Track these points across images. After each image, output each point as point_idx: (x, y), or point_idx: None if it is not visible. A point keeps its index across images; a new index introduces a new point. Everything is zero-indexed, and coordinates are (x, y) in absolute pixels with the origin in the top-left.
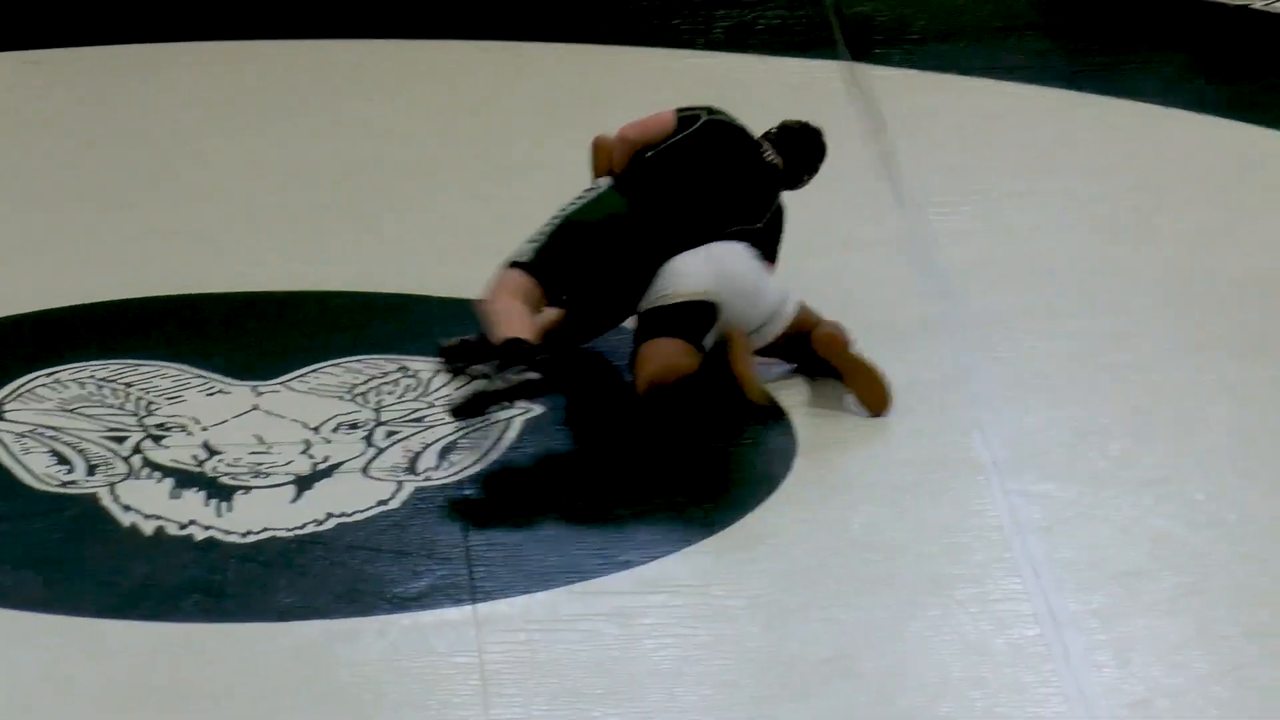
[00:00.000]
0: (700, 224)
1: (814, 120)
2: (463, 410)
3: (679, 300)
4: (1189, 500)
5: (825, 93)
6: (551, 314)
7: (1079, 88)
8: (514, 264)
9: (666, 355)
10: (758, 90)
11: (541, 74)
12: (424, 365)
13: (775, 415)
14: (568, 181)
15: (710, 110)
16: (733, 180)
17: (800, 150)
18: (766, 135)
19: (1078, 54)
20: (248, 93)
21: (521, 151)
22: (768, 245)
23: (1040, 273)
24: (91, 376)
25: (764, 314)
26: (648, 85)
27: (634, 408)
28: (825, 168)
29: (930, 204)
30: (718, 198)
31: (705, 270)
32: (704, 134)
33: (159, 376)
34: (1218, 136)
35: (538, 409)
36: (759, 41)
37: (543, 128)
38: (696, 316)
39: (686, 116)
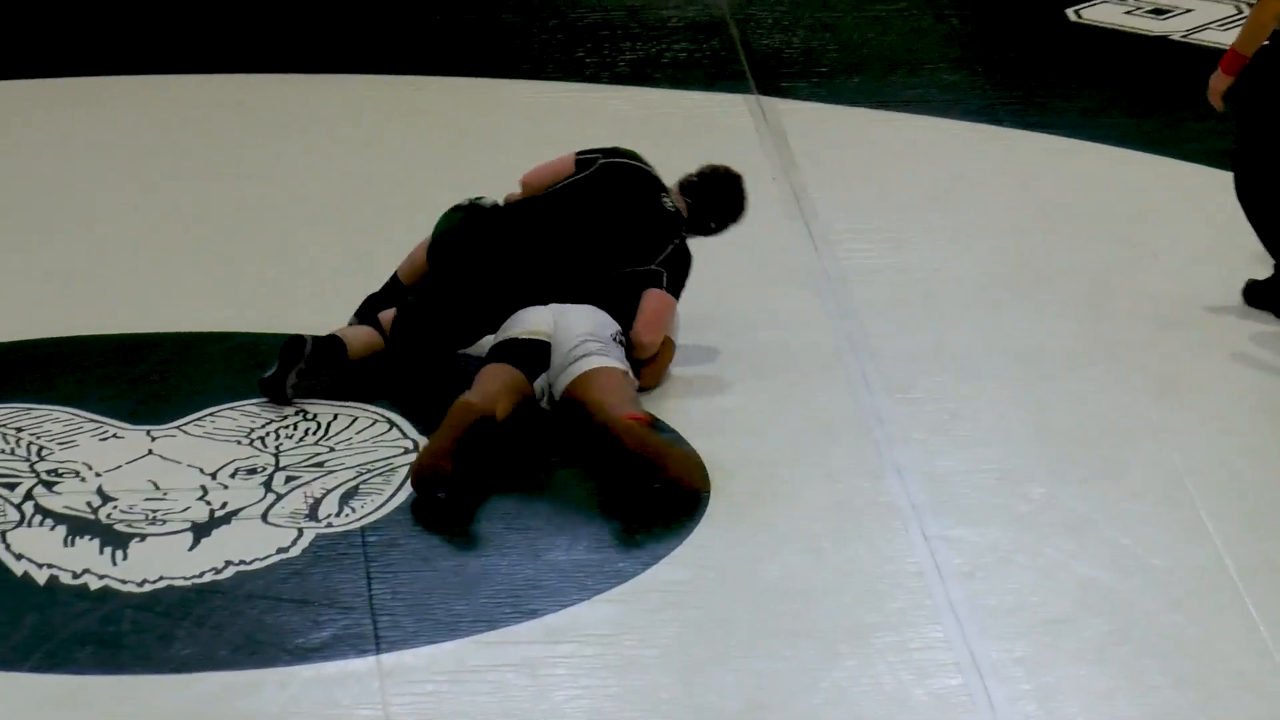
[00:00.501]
0: (585, 261)
1: (736, 167)
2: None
3: (522, 336)
4: (1114, 545)
5: (733, 126)
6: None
7: (995, 121)
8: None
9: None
10: (664, 124)
11: (437, 109)
12: (323, 408)
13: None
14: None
15: (611, 152)
16: (624, 222)
17: (711, 197)
18: (682, 180)
19: (994, 87)
20: (130, 131)
21: (413, 189)
22: (670, 285)
23: (952, 311)
24: None
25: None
26: (547, 120)
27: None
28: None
29: (840, 241)
30: (605, 237)
31: (546, 316)
32: (599, 176)
33: (50, 421)
34: (1131, 170)
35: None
36: (665, 75)
37: (436, 164)
38: (533, 353)
39: (584, 159)
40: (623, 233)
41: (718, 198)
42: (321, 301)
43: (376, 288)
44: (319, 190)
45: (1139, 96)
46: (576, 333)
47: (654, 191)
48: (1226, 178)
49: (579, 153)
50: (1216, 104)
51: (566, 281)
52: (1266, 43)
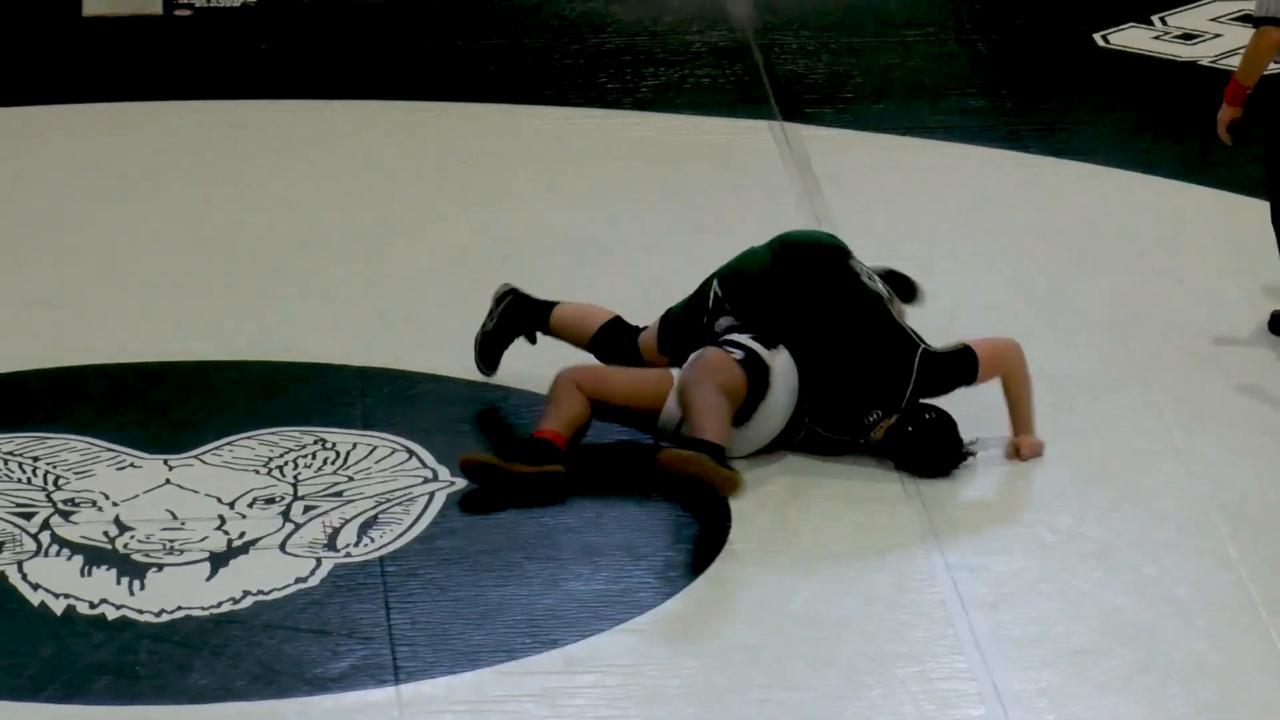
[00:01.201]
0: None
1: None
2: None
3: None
4: (1139, 574)
5: (756, 151)
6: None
7: (1021, 147)
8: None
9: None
10: (687, 149)
11: (458, 135)
12: (341, 437)
13: (707, 487)
14: (468, 247)
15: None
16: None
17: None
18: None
19: (1020, 112)
20: (131, 157)
21: (432, 215)
22: None
23: (977, 337)
24: None
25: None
26: (569, 145)
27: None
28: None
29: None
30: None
31: None
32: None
33: (67, 450)
34: (1159, 196)
35: (461, 483)
36: (688, 100)
37: (457, 190)
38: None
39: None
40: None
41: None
42: (338, 329)
43: (391, 315)
44: (337, 217)
45: (1167, 122)
46: None
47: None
48: (1256, 204)
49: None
50: (1224, 136)
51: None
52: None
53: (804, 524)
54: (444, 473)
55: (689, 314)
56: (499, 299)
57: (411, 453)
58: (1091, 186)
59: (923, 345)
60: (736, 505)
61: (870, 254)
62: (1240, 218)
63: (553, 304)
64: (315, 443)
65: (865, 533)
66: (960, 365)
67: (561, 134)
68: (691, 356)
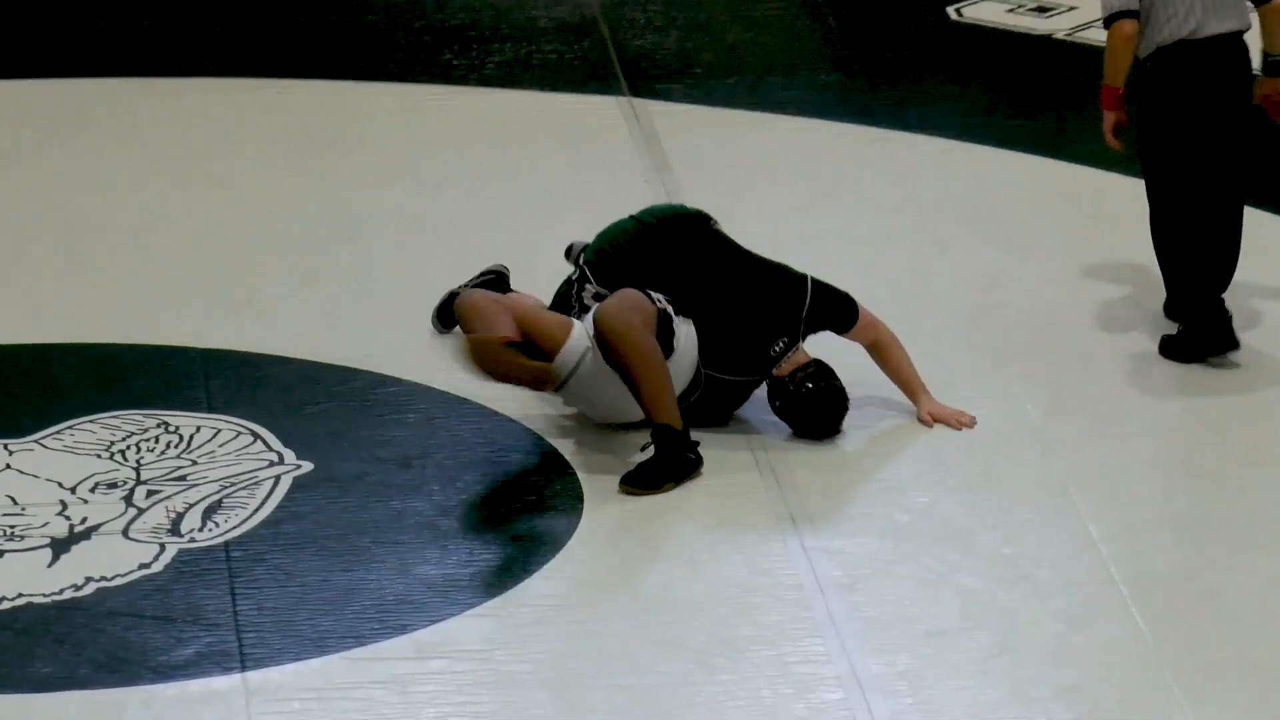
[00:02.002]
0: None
1: (616, 178)
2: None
3: None
4: (996, 555)
5: (605, 129)
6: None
7: (874, 122)
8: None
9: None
10: (535, 127)
11: (301, 113)
12: (185, 420)
13: (559, 469)
14: (312, 228)
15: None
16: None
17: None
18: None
19: (873, 87)
20: None
21: (276, 195)
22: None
23: None
24: None
25: None
26: (415, 124)
27: (412, 463)
28: (612, 206)
29: (584, 279)
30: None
31: None
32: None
33: None
34: (1015, 172)
35: (307, 467)
36: (535, 77)
37: (300, 169)
38: None
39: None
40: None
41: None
42: (180, 312)
43: (235, 298)
44: (177, 198)
45: (1023, 97)
46: None
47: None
48: (1115, 179)
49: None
50: (1112, 143)
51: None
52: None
53: (656, 507)
54: (290, 456)
55: (562, 291)
56: (486, 272)
57: (257, 436)
58: (946, 163)
59: (809, 274)
60: (588, 488)
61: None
62: (1099, 193)
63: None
64: (158, 426)
65: (719, 515)
66: (845, 301)
67: (406, 112)
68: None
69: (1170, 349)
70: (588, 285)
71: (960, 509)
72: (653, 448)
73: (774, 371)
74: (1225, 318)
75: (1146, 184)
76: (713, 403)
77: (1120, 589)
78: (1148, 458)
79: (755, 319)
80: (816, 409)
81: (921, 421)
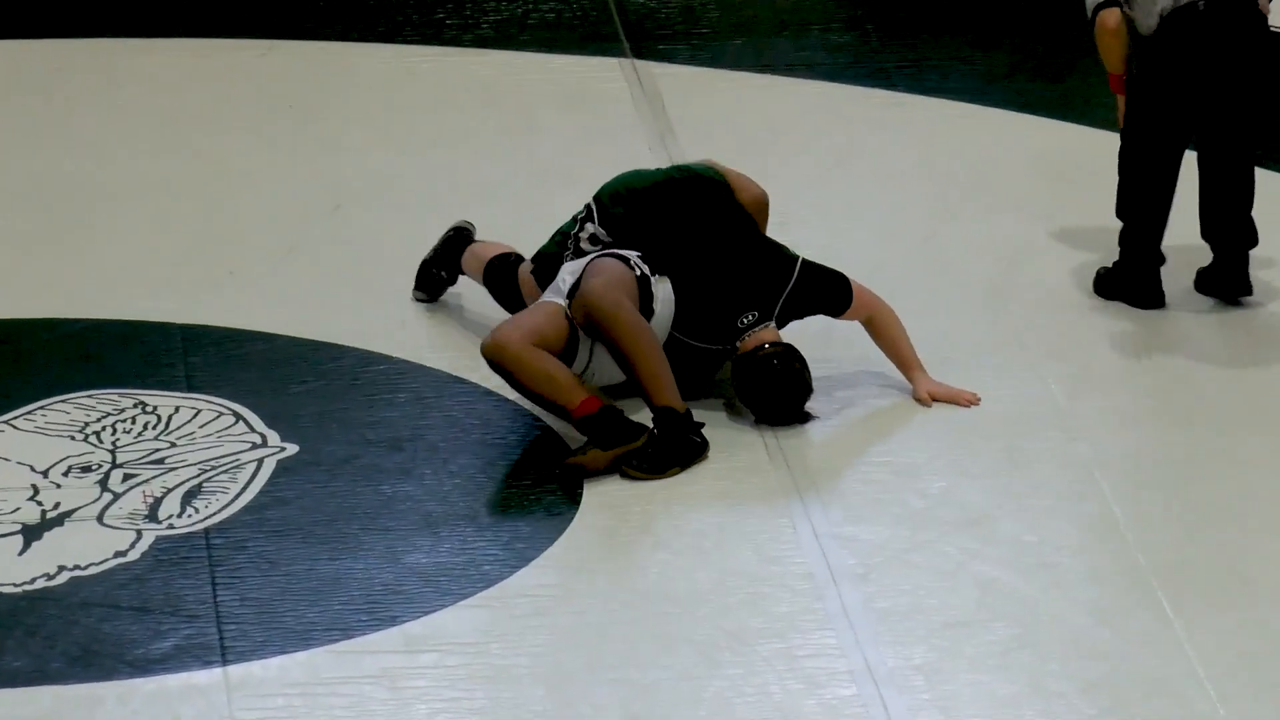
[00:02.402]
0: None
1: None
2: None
3: None
4: (1017, 542)
5: (606, 92)
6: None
7: (889, 85)
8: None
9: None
10: (532, 90)
11: (284, 75)
12: (163, 400)
13: (558, 452)
14: (297, 198)
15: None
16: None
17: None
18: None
19: (888, 49)
20: None
21: (259, 163)
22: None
23: None
24: None
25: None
26: (405, 87)
27: (403, 445)
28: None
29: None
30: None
31: None
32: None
33: None
34: (1037, 138)
35: (292, 449)
36: (532, 37)
37: (284, 136)
38: None
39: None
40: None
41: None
42: (158, 285)
43: (216, 271)
44: (155, 165)
45: (1046, 58)
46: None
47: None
48: None
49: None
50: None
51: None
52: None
53: (659, 492)
54: (273, 438)
55: (564, 229)
56: (449, 232)
57: (239, 417)
58: (965, 128)
59: (803, 257)
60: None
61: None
62: None
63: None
64: (135, 406)
65: (725, 501)
66: (837, 283)
67: (396, 75)
68: (585, 265)
69: (1103, 286)
70: (589, 225)
71: (979, 494)
72: (655, 431)
73: (737, 345)
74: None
75: (1130, 150)
76: (676, 369)
77: (1147, 578)
78: (1176, 440)
79: (733, 287)
80: (771, 387)
81: (919, 401)
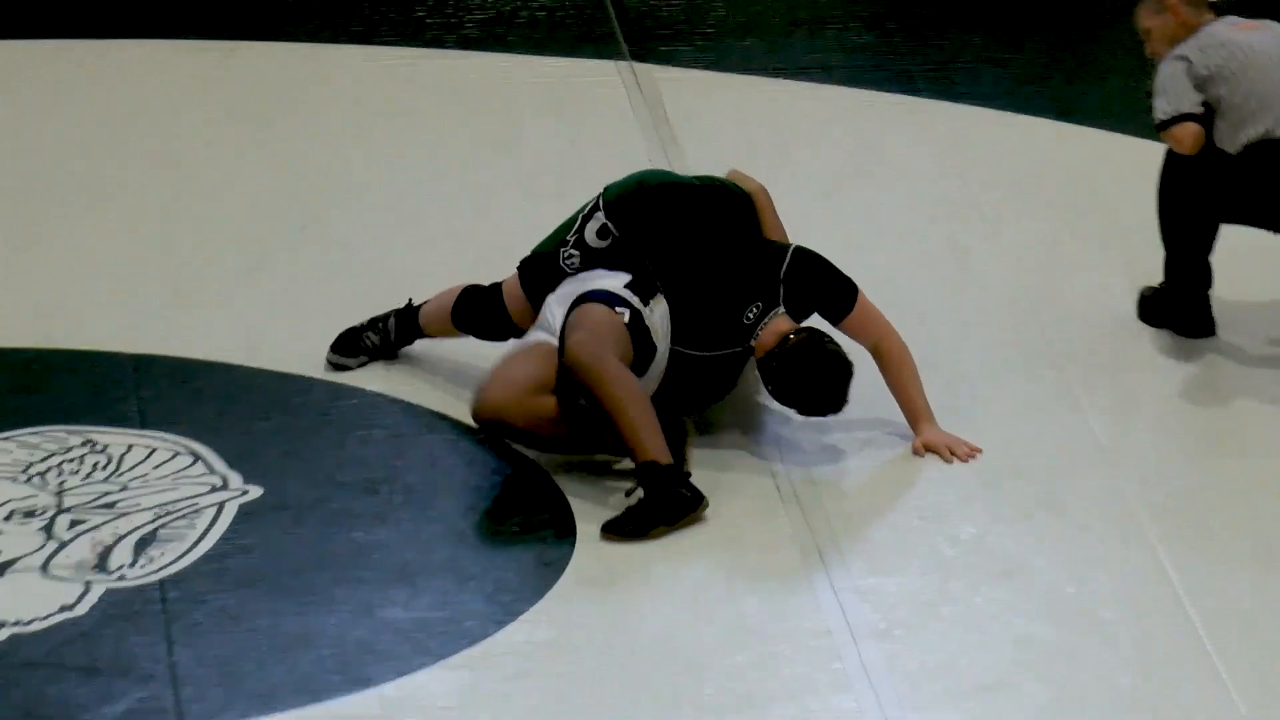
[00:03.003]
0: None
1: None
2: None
3: None
4: (1056, 594)
5: (602, 98)
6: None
7: (912, 90)
8: None
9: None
10: (520, 96)
11: (250, 79)
12: (114, 437)
13: (548, 494)
14: (262, 212)
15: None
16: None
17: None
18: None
19: (911, 49)
20: None
21: (222, 172)
22: None
23: None
24: None
25: None
26: (382, 91)
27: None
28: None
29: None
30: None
31: None
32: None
33: None
34: (1073, 146)
35: (255, 492)
36: (520, 37)
37: (249, 144)
38: None
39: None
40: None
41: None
42: (108, 309)
43: (172, 293)
44: (107, 174)
45: (1084, 59)
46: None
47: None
48: None
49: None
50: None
51: None
52: None
53: (659, 540)
54: (235, 479)
55: (560, 233)
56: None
57: (197, 456)
58: (996, 136)
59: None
60: (581, 518)
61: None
62: None
63: (419, 305)
64: (83, 445)
65: (733, 548)
66: (840, 281)
67: (372, 78)
68: (571, 312)
69: (1147, 311)
70: (596, 214)
71: (1014, 541)
72: (640, 490)
73: (752, 344)
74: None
75: (1177, 191)
76: (689, 385)
77: (1199, 632)
78: (1230, 480)
79: (726, 283)
80: (809, 377)
81: (914, 451)
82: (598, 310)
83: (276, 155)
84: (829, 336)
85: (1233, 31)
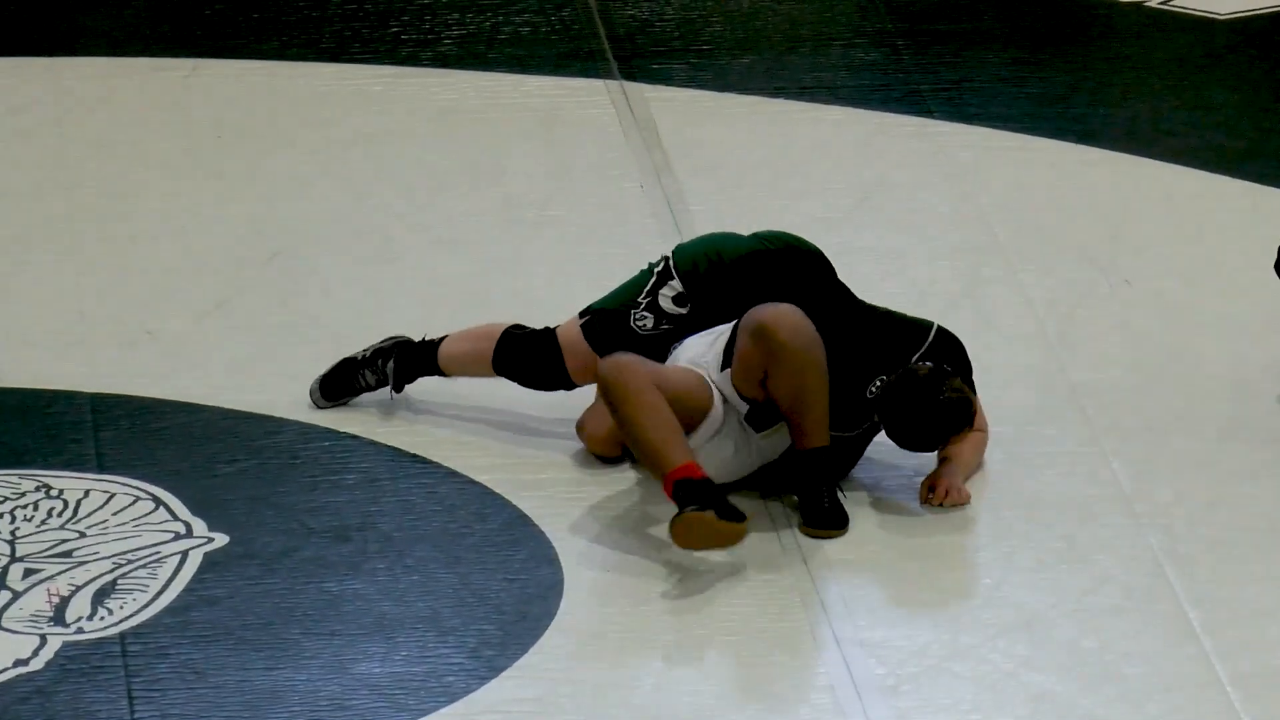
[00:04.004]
0: None
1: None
2: None
3: None
4: (1076, 649)
5: (589, 120)
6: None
7: (923, 111)
8: None
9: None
10: (502, 118)
11: (212, 99)
12: (70, 482)
13: (533, 542)
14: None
15: None
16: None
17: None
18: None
19: (922, 68)
20: None
21: (181, 200)
22: None
23: None
24: None
25: None
26: (354, 113)
27: (351, 535)
28: (600, 218)
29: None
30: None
31: None
32: None
33: None
34: (1099, 173)
35: (221, 540)
36: (502, 55)
37: (210, 168)
38: None
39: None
40: None
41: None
42: (64, 347)
43: (131, 329)
44: (60, 203)
45: (1109, 78)
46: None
47: None
48: (1221, 183)
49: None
50: None
51: None
52: None
53: (653, 590)
54: (199, 526)
55: (636, 281)
56: (380, 351)
57: (159, 502)
58: (1013, 161)
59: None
60: (568, 566)
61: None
62: (1200, 199)
63: (436, 341)
64: (38, 490)
65: (731, 597)
66: (968, 383)
67: (342, 99)
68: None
69: None
70: (671, 283)
71: (1032, 591)
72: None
73: (875, 420)
74: None
75: None
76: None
77: (1227, 691)
78: (1263, 528)
79: (853, 361)
80: (926, 408)
81: (921, 494)
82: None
83: (241, 183)
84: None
85: None
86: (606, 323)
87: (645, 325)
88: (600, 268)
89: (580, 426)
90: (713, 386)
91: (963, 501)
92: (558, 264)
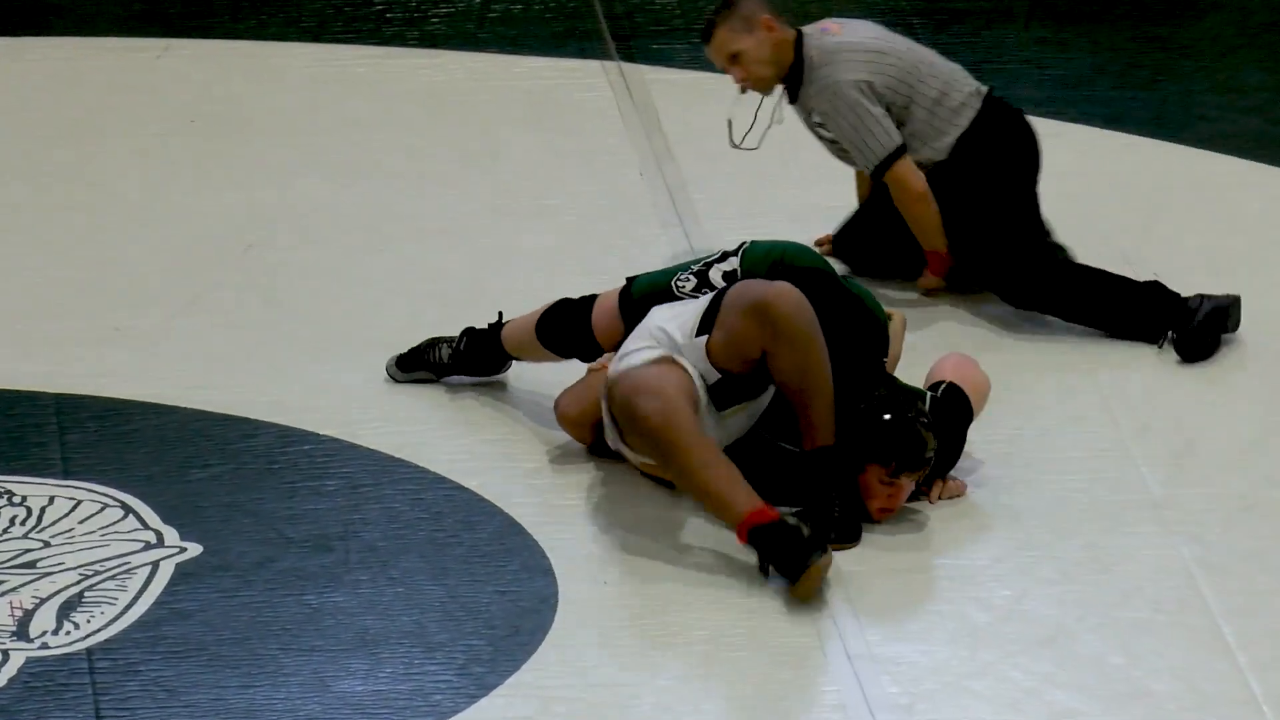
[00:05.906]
0: None
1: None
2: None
3: None
4: (1101, 665)
5: (586, 103)
6: None
7: None
8: None
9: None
10: (494, 101)
11: (186, 80)
12: (34, 489)
13: (525, 551)
14: (200, 235)
15: None
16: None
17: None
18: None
19: (941, 48)
20: None
21: (144, 190)
22: None
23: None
24: None
25: None
26: (335, 96)
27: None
28: (598, 208)
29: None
30: None
31: None
32: None
33: None
34: (1122, 157)
35: (195, 550)
36: (493, 34)
37: (183, 155)
38: None
39: None
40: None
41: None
42: (27, 344)
43: (99, 326)
44: (26, 195)
45: (1136, 59)
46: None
47: None
48: (1253, 169)
49: None
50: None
51: None
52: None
53: (654, 600)
54: (171, 535)
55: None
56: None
57: (128, 509)
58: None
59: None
60: (563, 576)
61: (736, 236)
62: (1231, 187)
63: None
64: (0, 497)
65: (736, 612)
66: (963, 409)
67: (324, 81)
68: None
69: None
70: (731, 260)
71: (1055, 605)
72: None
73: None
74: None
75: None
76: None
77: (1263, 709)
78: None
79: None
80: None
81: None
82: (666, 372)
83: (216, 171)
84: (908, 400)
85: None
86: (645, 298)
87: (685, 288)
88: (598, 259)
89: (556, 404)
90: (679, 358)
91: (959, 493)
92: (553, 256)
